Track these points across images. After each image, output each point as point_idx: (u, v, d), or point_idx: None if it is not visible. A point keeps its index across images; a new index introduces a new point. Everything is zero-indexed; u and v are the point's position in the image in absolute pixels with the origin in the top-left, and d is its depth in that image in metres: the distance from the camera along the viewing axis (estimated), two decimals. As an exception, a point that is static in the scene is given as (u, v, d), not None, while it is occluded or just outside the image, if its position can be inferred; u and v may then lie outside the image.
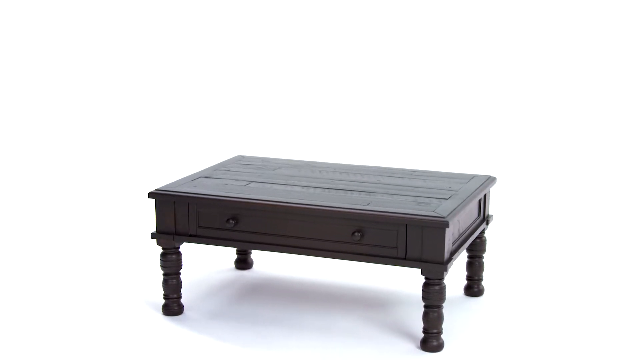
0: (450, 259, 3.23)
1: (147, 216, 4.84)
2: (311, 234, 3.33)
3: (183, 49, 6.38)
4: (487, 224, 3.80)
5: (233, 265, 4.25)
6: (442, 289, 3.24)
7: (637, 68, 5.91)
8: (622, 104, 5.94)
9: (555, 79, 6.05)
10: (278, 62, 6.35)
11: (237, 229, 3.43)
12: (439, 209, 3.25)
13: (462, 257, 4.19)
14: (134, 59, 6.37)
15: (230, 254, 4.38)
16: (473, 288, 3.87)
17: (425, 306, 3.27)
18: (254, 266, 4.25)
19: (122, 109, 6.34)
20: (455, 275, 4.06)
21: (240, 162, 4.02)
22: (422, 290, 3.25)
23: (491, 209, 4.83)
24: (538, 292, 3.91)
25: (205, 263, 4.28)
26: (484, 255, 3.86)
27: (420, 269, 3.25)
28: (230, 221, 3.41)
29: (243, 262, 4.21)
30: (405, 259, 3.23)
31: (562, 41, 6.02)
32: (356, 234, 3.25)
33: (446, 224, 3.13)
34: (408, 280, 4.06)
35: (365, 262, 3.46)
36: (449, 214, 3.19)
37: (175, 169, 5.50)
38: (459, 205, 3.32)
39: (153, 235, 3.56)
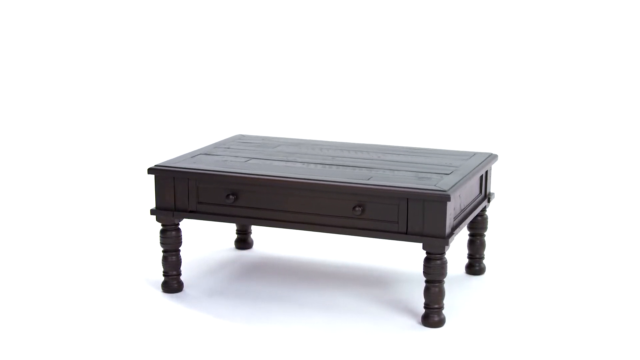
0: (451, 234, 3.21)
1: (147, 193, 4.83)
2: (312, 209, 3.31)
3: (184, 29, 6.35)
4: (489, 201, 3.78)
5: (233, 245, 4.23)
6: (444, 264, 3.22)
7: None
8: (624, 81, 5.92)
9: (556, 56, 6.03)
10: (279, 48, 6.32)
11: (237, 204, 3.41)
12: (440, 183, 3.23)
13: (464, 236, 4.17)
14: (135, 38, 6.34)
15: (230, 233, 4.36)
16: (474, 266, 3.85)
17: (426, 281, 3.25)
18: (254, 246, 4.23)
19: (123, 90, 6.31)
20: (457, 254, 4.04)
21: (241, 141, 4.00)
22: (424, 265, 3.23)
23: (493, 188, 4.81)
24: (539, 270, 3.89)
25: (205, 242, 4.26)
26: (485, 233, 3.83)
27: (421, 244, 3.23)
28: (230, 197, 3.39)
29: (243, 242, 4.19)
30: (406, 233, 3.21)
31: (566, 18, 5.99)
32: (357, 208, 3.23)
33: (447, 198, 3.11)
34: (409, 258, 4.04)
35: (366, 237, 3.43)
36: (450, 188, 3.17)
37: (175, 149, 5.47)
38: (460, 180, 3.30)
39: (152, 212, 3.54)
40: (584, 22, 5.97)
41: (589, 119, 5.91)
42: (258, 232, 4.39)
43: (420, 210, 3.17)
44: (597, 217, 4.70)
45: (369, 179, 3.28)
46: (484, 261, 3.88)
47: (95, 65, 6.33)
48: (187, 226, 4.43)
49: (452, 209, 3.22)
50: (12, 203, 4.91)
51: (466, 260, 3.90)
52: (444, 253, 3.20)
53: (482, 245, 3.83)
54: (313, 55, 6.28)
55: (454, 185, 3.21)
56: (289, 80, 6.29)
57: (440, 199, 3.12)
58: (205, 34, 6.35)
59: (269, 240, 4.31)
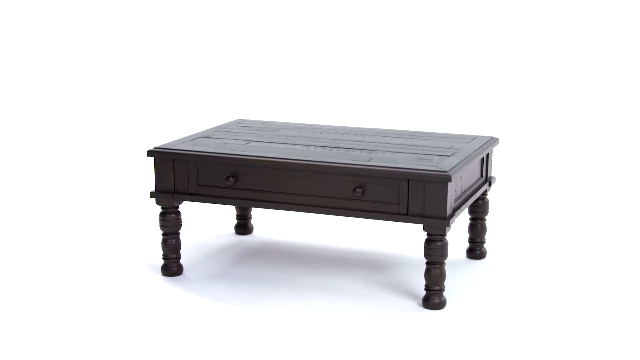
0: (452, 215, 3.19)
1: (147, 178, 4.83)
2: (312, 190, 3.30)
3: (186, 15, 6.33)
4: (490, 185, 3.76)
5: (233, 231, 4.21)
6: (445, 245, 3.20)
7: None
8: (625, 66, 5.90)
9: (558, 39, 6.00)
10: (280, 34, 6.31)
11: (237, 186, 3.39)
12: (441, 164, 3.21)
13: (465, 220, 4.16)
14: (138, 23, 6.33)
15: (230, 218, 4.35)
16: (475, 251, 3.83)
17: (427, 263, 3.23)
18: (254, 231, 4.21)
19: (125, 76, 6.29)
20: (458, 238, 4.02)
21: (241, 125, 3.98)
22: (424, 246, 3.21)
23: (494, 172, 4.79)
24: (540, 254, 3.87)
25: (205, 227, 4.24)
26: (486, 217, 3.82)
27: (422, 225, 3.21)
28: (230, 179, 3.37)
29: (243, 227, 4.17)
30: (407, 214, 3.19)
31: (568, 1, 5.97)
32: (357, 190, 3.22)
33: (448, 178, 3.10)
34: (410, 240, 4.03)
35: (366, 219, 3.42)
36: (451, 169, 3.15)
37: (175, 134, 5.46)
38: (461, 161, 3.28)
39: (152, 195, 3.53)
40: (587, 4, 5.94)
41: (589, 104, 5.89)
42: (258, 218, 4.38)
43: (421, 191, 3.15)
44: (598, 202, 4.68)
45: (369, 161, 3.26)
46: (485, 245, 3.87)
47: (96, 50, 6.31)
48: (187, 211, 4.41)
49: (453, 190, 3.21)
50: (13, 186, 4.90)
51: (467, 245, 3.88)
52: (444, 234, 3.18)
53: (483, 229, 3.81)
54: (315, 41, 6.26)
55: (454, 167, 3.20)
56: (289, 67, 6.27)
57: (442, 180, 3.11)
58: (207, 21, 6.33)
59: (269, 225, 4.30)
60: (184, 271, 3.64)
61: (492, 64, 6.10)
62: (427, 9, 6.15)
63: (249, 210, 4.16)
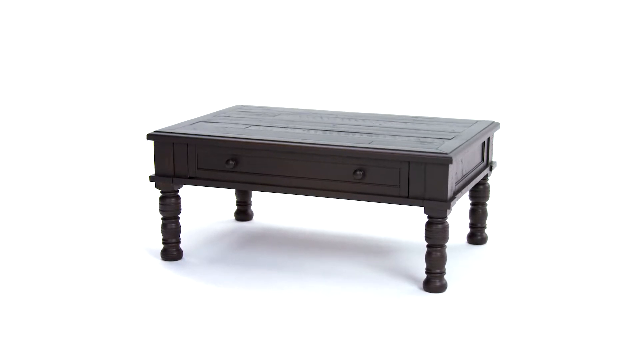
0: (453, 197, 3.18)
1: (146, 162, 4.83)
2: (312, 173, 3.28)
3: (186, 3, 6.32)
4: (491, 169, 3.75)
5: (233, 217, 4.20)
6: (445, 228, 3.19)
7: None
8: (628, 51, 5.88)
9: (558, 25, 5.99)
10: (280, 20, 6.30)
11: (237, 170, 3.38)
12: (442, 147, 3.20)
13: (465, 205, 4.15)
14: (138, 12, 6.32)
15: (230, 205, 4.34)
16: (476, 236, 3.82)
17: (428, 246, 3.22)
18: (254, 217, 4.20)
19: (125, 62, 6.29)
20: (458, 224, 4.01)
21: (241, 110, 3.97)
22: (425, 229, 3.20)
23: (495, 157, 4.78)
24: (540, 239, 3.87)
25: (205, 213, 4.24)
26: (487, 202, 3.80)
27: (423, 208, 3.20)
28: (230, 162, 3.36)
29: (243, 214, 4.16)
30: (407, 197, 3.18)
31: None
32: (358, 172, 3.20)
33: (449, 160, 3.08)
34: (410, 225, 4.02)
35: (366, 202, 3.40)
36: (452, 151, 3.14)
37: (175, 119, 5.46)
38: (461, 144, 3.27)
39: (152, 178, 3.51)
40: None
41: (590, 90, 5.88)
42: (258, 204, 4.37)
43: (421, 174, 3.14)
44: (599, 187, 4.67)
45: (369, 143, 3.25)
46: (486, 230, 3.85)
47: (99, 37, 6.31)
48: (186, 197, 4.40)
49: (453, 173, 3.19)
50: (12, 175, 4.89)
51: (468, 230, 3.87)
52: (445, 217, 3.17)
53: (484, 214, 3.80)
54: (316, 29, 6.25)
55: (455, 149, 3.18)
56: (290, 54, 6.26)
57: (442, 162, 3.09)
58: (210, 9, 6.32)
59: (269, 211, 4.29)
60: (184, 256, 3.63)
61: (493, 50, 6.09)
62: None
63: (249, 197, 4.15)
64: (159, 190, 3.53)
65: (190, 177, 3.46)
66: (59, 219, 4.13)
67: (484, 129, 3.59)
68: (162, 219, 3.55)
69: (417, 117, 3.83)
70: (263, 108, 4.02)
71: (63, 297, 3.19)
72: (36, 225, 4.05)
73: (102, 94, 6.18)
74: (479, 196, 3.77)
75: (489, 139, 3.68)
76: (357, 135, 3.40)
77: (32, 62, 6.23)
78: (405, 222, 4.09)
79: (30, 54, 6.24)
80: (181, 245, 3.69)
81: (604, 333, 2.90)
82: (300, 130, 3.48)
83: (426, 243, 3.23)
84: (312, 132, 3.47)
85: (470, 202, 3.79)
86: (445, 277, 3.30)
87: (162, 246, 3.62)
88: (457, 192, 3.25)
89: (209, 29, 6.32)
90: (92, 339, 2.83)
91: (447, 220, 3.19)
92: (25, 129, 5.73)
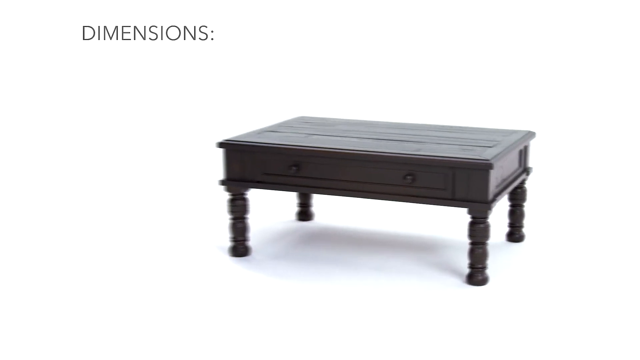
0: (494, 200, 3.54)
1: (212, 168, 5.29)
2: (366, 178, 3.66)
3: (255, 16, 6.71)
4: (528, 174, 4.10)
5: (295, 218, 4.59)
6: (487, 227, 3.55)
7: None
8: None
9: (591, 35, 6.25)
10: (340, 37, 6.64)
11: (299, 174, 3.76)
12: (484, 154, 3.56)
13: (505, 207, 4.49)
14: (211, 26, 6.71)
15: (292, 206, 4.73)
16: (515, 234, 4.17)
17: (471, 243, 3.58)
18: (314, 218, 4.59)
19: (201, 78, 6.75)
20: (499, 223, 4.37)
21: (302, 121, 4.36)
22: (469, 228, 3.56)
23: (532, 164, 5.13)
24: (575, 237, 4.20)
25: (269, 214, 4.63)
26: (524, 204, 4.15)
27: (467, 209, 3.56)
28: (293, 168, 3.74)
29: (304, 214, 4.55)
30: (453, 199, 3.55)
31: None
32: (408, 177, 3.57)
33: (491, 166, 3.44)
34: (455, 226, 4.38)
35: (416, 203, 3.77)
36: (493, 158, 3.50)
37: (244, 130, 5.86)
38: (501, 152, 3.62)
39: (222, 182, 3.91)
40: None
41: (621, 99, 6.14)
42: (318, 206, 4.75)
43: (465, 178, 3.50)
44: (631, 191, 4.98)
45: (418, 151, 3.62)
46: (523, 229, 4.21)
47: (172, 52, 6.74)
48: (253, 200, 4.80)
49: (494, 178, 3.55)
50: (80, 171, 5.32)
51: (507, 229, 4.22)
52: (487, 217, 3.53)
53: (522, 215, 4.15)
54: (372, 44, 6.59)
55: (496, 156, 3.54)
56: (346, 69, 6.64)
57: (484, 167, 3.45)
58: (279, 26, 6.71)
59: (328, 212, 4.67)
60: (251, 252, 4.02)
61: (530, 64, 6.38)
62: (468, 12, 6.44)
63: (310, 199, 4.54)
64: (229, 193, 3.93)
65: (257, 182, 3.85)
66: (139, 219, 4.56)
67: (521, 137, 3.94)
68: (232, 218, 3.94)
69: (460, 127, 4.19)
70: (322, 119, 4.41)
71: (144, 290, 3.58)
72: (115, 223, 4.47)
73: (181, 105, 6.67)
74: (517, 198, 4.12)
75: (525, 146, 4.03)
76: (407, 144, 3.76)
77: (112, 69, 6.66)
78: (450, 222, 4.47)
79: (106, 61, 6.66)
80: (248, 243, 4.08)
81: (629, 327, 3.23)
82: (356, 139, 3.86)
83: (469, 241, 3.59)
84: (366, 140, 3.84)
85: (509, 203, 4.15)
86: (487, 271, 3.66)
87: (230, 243, 4.01)
88: (497, 195, 3.60)
89: (276, 48, 6.72)
90: (167, 329, 3.21)
91: (488, 220, 3.54)
92: (112, 134, 6.25)
